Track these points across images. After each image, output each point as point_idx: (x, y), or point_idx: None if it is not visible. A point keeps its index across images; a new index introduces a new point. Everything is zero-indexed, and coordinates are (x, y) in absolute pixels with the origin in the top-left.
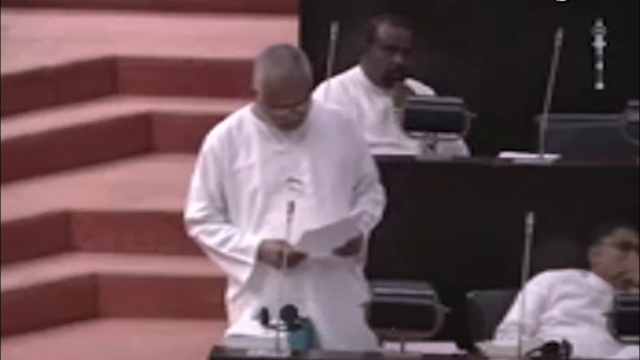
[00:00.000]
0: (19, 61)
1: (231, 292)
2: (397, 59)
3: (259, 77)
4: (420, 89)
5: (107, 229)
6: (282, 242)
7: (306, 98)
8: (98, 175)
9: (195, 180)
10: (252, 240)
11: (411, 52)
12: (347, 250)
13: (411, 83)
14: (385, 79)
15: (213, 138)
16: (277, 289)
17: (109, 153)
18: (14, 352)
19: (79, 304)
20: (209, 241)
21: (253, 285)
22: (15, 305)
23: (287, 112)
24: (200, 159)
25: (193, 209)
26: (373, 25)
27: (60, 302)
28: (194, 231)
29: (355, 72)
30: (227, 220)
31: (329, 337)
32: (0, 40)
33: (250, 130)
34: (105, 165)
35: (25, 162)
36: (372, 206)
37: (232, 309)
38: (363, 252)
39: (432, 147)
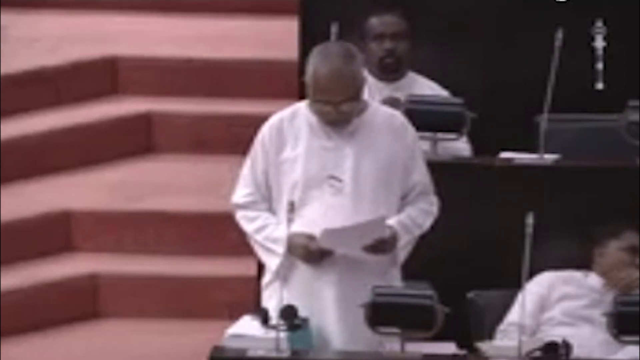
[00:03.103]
0: (19, 61)
1: (265, 278)
2: (387, 44)
3: (308, 71)
4: (434, 89)
5: (107, 229)
6: (309, 237)
7: (352, 98)
8: (98, 175)
9: (245, 167)
10: (284, 231)
11: (401, 37)
12: (377, 248)
13: (425, 82)
14: (381, 67)
15: (265, 127)
16: (303, 282)
17: (109, 153)
18: (14, 352)
19: (79, 304)
20: (248, 227)
21: (282, 275)
22: (15, 305)
23: (330, 108)
24: (253, 146)
25: (239, 194)
26: (363, 23)
27: (60, 302)
28: (237, 216)
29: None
30: (271, 209)
31: (342, 337)
32: (0, 40)
33: (302, 124)
34: (105, 165)
35: (25, 162)
36: (418, 214)
37: (264, 295)
38: (402, 255)
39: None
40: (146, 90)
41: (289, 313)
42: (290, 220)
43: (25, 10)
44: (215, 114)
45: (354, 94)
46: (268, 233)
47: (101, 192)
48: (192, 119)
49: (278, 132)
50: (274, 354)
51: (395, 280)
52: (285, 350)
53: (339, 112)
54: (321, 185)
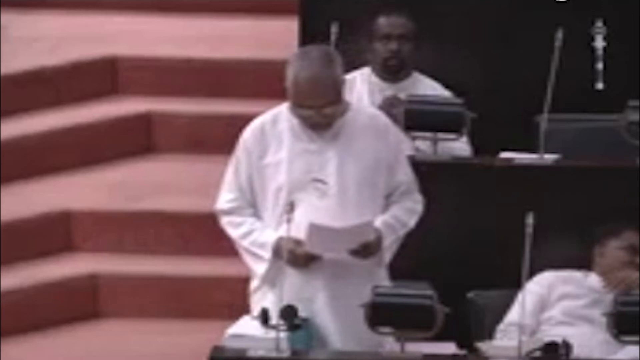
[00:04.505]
0: (19, 61)
1: (253, 284)
2: (392, 45)
3: (288, 76)
4: (437, 90)
5: (107, 229)
6: (295, 242)
7: (334, 101)
8: (98, 175)
9: (228, 172)
10: (271, 236)
11: (407, 39)
12: (362, 252)
13: (429, 82)
14: (384, 68)
15: (247, 131)
16: (291, 286)
17: (109, 153)
18: (14, 352)
19: (79, 304)
20: (233, 233)
21: (270, 280)
22: (15, 305)
23: (312, 113)
24: (235, 151)
25: (223, 200)
26: (369, 22)
27: (60, 302)
28: (222, 221)
29: (366, 69)
30: (256, 213)
31: (337, 337)
32: (0, 40)
33: (284, 127)
34: (105, 165)
35: (25, 162)
36: (403, 213)
37: (252, 300)
38: (387, 255)
39: (417, 149)
40: (146, 90)
41: (289, 313)
42: (289, 221)
43: (25, 10)
44: (215, 114)
45: (336, 97)
46: (254, 238)
47: (101, 192)
48: (191, 119)
49: (261, 137)
50: (274, 354)
51: (382, 280)
52: (285, 350)
53: (322, 115)
54: (306, 188)
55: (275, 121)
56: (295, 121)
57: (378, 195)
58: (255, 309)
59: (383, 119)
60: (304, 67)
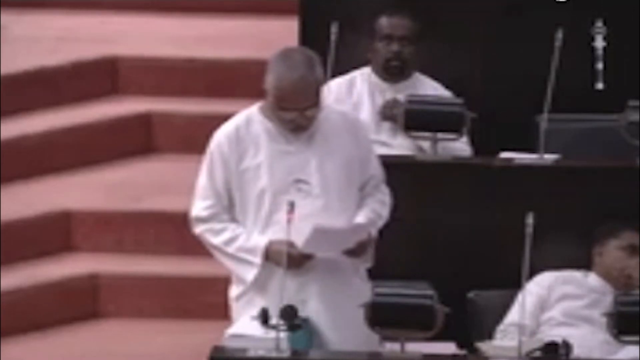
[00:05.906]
0: (19, 61)
1: (235, 291)
2: (394, 47)
3: (270, 79)
4: (437, 90)
5: (107, 229)
6: (289, 243)
7: (316, 103)
8: (98, 175)
9: (202, 178)
10: (259, 240)
11: (409, 40)
12: (357, 251)
13: (429, 83)
14: (385, 69)
15: (220, 136)
16: (282, 289)
17: (109, 153)
18: (14, 352)
19: (79, 304)
20: (215, 240)
21: (258, 285)
22: (15, 305)
23: (295, 115)
24: (207, 156)
25: (199, 207)
26: (371, 21)
27: (60, 302)
28: (198, 229)
29: (366, 69)
30: (233, 219)
31: (333, 338)
32: (0, 40)
33: (259, 130)
34: (105, 165)
35: (25, 162)
36: (379, 206)
37: (235, 307)
38: (370, 253)
39: (421, 149)
40: (146, 90)
41: (289, 313)
42: (289, 221)
43: (25, 10)
44: (215, 114)
45: (317, 99)
46: (241, 243)
47: (101, 192)
48: (192, 119)
49: (237, 141)
50: (274, 354)
51: (365, 277)
52: (285, 350)
53: (305, 117)
54: (289, 190)
55: (248, 124)
56: (269, 124)
57: (354, 190)
58: (240, 316)
59: (352, 116)
60: (288, 70)
